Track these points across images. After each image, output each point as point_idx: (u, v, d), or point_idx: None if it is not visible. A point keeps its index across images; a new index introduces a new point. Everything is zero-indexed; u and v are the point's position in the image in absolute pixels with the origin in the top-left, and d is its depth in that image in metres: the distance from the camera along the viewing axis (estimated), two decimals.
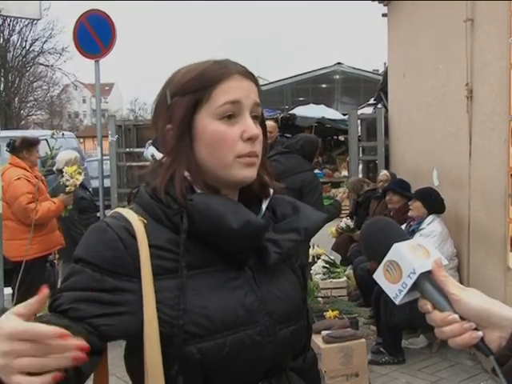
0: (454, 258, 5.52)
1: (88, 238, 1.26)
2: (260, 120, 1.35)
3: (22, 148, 5.77)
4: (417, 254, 1.07)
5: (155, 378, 1.21)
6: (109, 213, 1.36)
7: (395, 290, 1.07)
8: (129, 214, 1.28)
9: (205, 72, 1.29)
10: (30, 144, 5.85)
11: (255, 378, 1.28)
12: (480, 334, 1.00)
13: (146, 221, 1.26)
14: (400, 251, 1.07)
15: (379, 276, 1.09)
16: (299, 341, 1.40)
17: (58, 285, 5.45)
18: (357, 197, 7.88)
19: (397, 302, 1.07)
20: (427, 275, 1.05)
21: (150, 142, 1.22)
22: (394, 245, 1.08)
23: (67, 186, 5.62)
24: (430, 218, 5.48)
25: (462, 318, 1.02)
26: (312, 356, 1.50)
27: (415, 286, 1.05)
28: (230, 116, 1.27)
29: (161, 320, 1.21)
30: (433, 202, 5.54)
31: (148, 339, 1.21)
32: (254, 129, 1.28)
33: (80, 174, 5.69)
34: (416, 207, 5.56)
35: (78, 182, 5.68)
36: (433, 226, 5.42)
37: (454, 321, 1.01)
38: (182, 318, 1.20)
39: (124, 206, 1.34)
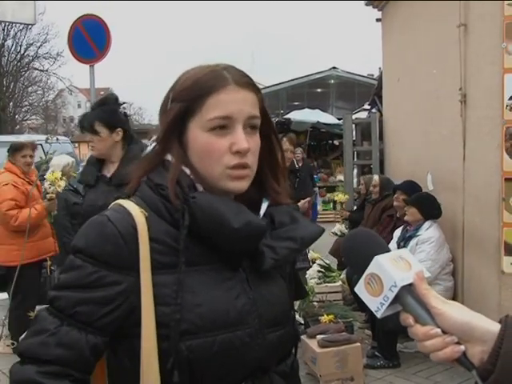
0: (450, 264, 5.52)
1: (88, 231, 1.28)
2: (265, 127, 1.35)
3: (9, 153, 5.81)
4: (398, 267, 1.05)
5: (150, 372, 1.23)
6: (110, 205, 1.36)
7: (377, 304, 1.05)
8: (130, 205, 1.29)
9: (198, 81, 1.29)
10: (15, 149, 5.84)
11: (238, 379, 1.29)
12: (462, 348, 0.99)
13: (146, 213, 1.27)
14: (381, 264, 1.05)
15: (360, 289, 1.07)
16: (285, 346, 1.41)
17: None
18: (366, 193, 7.87)
19: (378, 315, 1.06)
20: (409, 288, 1.04)
21: (154, 138, 1.24)
22: (375, 257, 1.06)
23: (48, 193, 5.60)
24: (428, 223, 5.48)
25: (444, 332, 1.00)
26: (296, 363, 1.52)
27: (397, 299, 1.04)
28: (221, 127, 1.27)
29: (156, 315, 1.22)
30: (429, 208, 5.53)
31: (145, 333, 1.22)
32: (243, 143, 1.27)
33: (62, 180, 5.65)
34: (412, 213, 5.56)
35: (60, 189, 5.66)
36: (430, 231, 5.42)
37: (436, 335, 1.00)
38: (180, 312, 1.22)
39: (125, 198, 1.35)
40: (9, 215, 5.45)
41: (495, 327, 0.99)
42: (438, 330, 1.00)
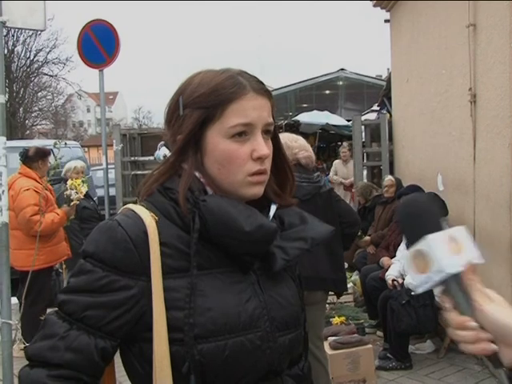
0: None
1: (98, 236, 1.27)
2: (272, 135, 1.35)
3: (37, 158, 5.80)
4: (449, 250, 1.00)
5: (163, 376, 1.22)
6: (120, 209, 1.36)
7: (419, 280, 1.02)
8: (141, 210, 1.29)
9: (217, 88, 1.27)
10: (45, 154, 5.89)
11: (250, 382, 1.29)
12: (495, 348, 0.96)
13: (157, 218, 1.27)
14: (431, 245, 1.00)
15: (408, 261, 1.04)
16: (296, 349, 1.41)
17: None
18: (364, 201, 7.86)
19: (417, 291, 1.04)
20: (456, 275, 1.00)
21: (163, 142, 1.22)
22: (427, 236, 1.01)
23: (72, 200, 5.72)
24: None
25: (481, 327, 0.97)
26: (308, 366, 1.51)
27: (440, 281, 1.01)
28: (241, 133, 1.27)
29: (168, 319, 1.22)
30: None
31: (157, 338, 1.22)
32: (265, 149, 1.28)
33: (84, 186, 5.79)
34: None
35: (82, 195, 5.82)
36: None
37: (472, 328, 0.97)
38: (193, 316, 1.21)
39: (135, 202, 1.35)
40: (33, 221, 5.45)
41: None
42: (475, 324, 0.98)
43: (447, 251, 1.00)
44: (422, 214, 1.07)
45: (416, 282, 1.03)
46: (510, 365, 0.96)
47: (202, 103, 1.28)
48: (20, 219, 5.51)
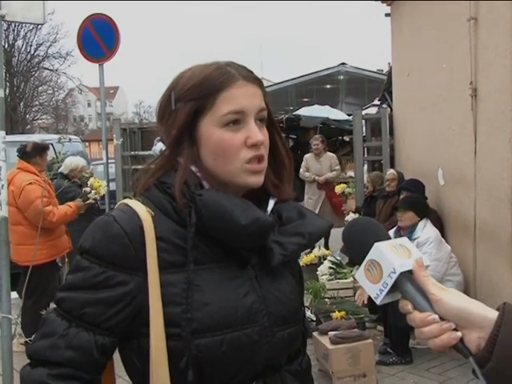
0: (452, 255, 5.52)
1: (94, 232, 1.28)
2: (268, 122, 1.35)
3: (35, 153, 5.82)
4: (398, 254, 1.05)
5: (160, 371, 1.22)
6: (117, 204, 1.36)
7: (376, 290, 1.05)
8: (137, 205, 1.29)
9: (207, 78, 1.29)
10: (43, 149, 5.91)
11: (248, 377, 1.29)
12: (459, 334, 0.99)
13: (153, 213, 1.27)
14: (381, 250, 1.05)
15: (360, 276, 1.08)
16: (295, 344, 1.41)
17: None
18: (372, 190, 7.85)
19: (378, 302, 1.06)
20: (408, 275, 1.04)
21: (159, 138, 1.22)
22: (375, 244, 1.06)
23: (88, 198, 5.98)
24: (422, 223, 5.47)
25: (442, 319, 1.00)
26: (307, 361, 1.52)
27: (396, 286, 1.04)
28: (234, 122, 1.28)
29: (165, 314, 1.22)
30: (423, 208, 5.60)
31: (153, 333, 1.22)
32: (258, 135, 1.28)
33: (103, 189, 6.08)
34: (409, 217, 5.51)
35: (98, 196, 6.10)
36: (427, 231, 5.41)
37: (434, 321, 1.00)
38: (190, 312, 1.22)
39: (131, 197, 1.35)
40: (46, 212, 5.44)
41: (493, 314, 0.99)
42: (436, 317, 1.00)
43: (397, 254, 1.05)
44: (367, 228, 1.14)
45: (373, 293, 1.06)
46: (477, 350, 0.98)
47: (193, 95, 1.29)
48: (30, 213, 5.50)
